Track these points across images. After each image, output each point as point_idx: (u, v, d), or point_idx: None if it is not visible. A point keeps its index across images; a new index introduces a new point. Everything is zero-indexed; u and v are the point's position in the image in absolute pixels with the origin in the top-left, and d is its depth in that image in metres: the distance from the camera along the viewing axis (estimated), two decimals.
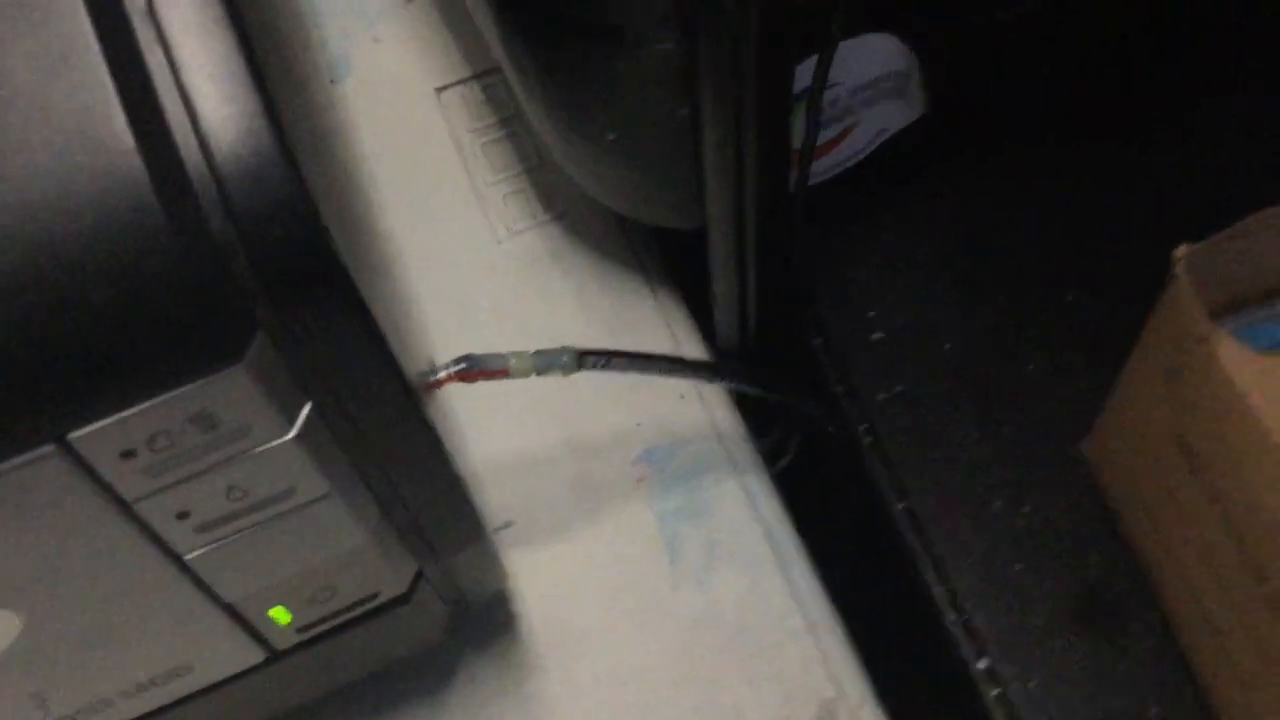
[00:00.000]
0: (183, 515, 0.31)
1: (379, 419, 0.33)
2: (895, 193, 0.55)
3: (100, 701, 0.36)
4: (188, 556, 0.32)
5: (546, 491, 0.51)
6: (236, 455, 0.30)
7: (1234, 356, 0.38)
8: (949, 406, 0.52)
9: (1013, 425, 0.52)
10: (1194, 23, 0.56)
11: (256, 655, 0.38)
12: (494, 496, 0.50)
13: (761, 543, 0.50)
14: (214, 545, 0.32)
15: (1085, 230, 0.54)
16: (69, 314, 0.26)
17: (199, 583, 0.33)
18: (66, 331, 0.26)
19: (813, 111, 0.45)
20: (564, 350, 0.43)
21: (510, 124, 0.58)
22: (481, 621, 0.48)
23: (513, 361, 0.41)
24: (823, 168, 0.53)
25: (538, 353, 0.42)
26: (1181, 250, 0.39)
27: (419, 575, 0.40)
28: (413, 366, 0.35)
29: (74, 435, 0.27)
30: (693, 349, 0.54)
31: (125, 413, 0.27)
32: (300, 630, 0.38)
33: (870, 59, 0.51)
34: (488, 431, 0.50)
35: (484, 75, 0.59)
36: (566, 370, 0.43)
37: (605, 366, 0.44)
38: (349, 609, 0.39)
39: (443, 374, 0.40)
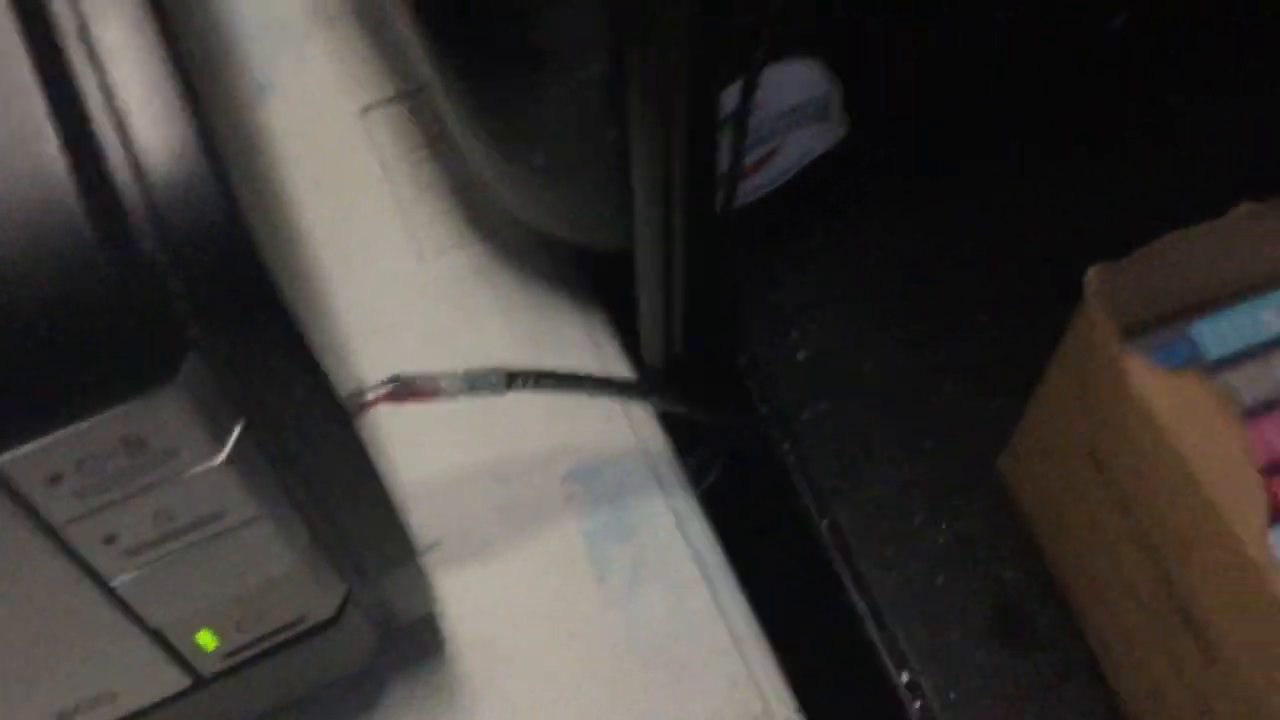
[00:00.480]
0: (110, 539, 0.30)
1: (311, 441, 0.32)
2: (820, 215, 0.56)
3: None
4: (114, 581, 0.32)
5: (474, 511, 0.51)
6: (166, 478, 0.30)
7: (1143, 374, 0.39)
8: (871, 425, 0.53)
9: (933, 442, 0.53)
10: (1121, 52, 0.58)
11: (182, 681, 0.37)
12: (421, 517, 0.49)
13: (688, 561, 0.50)
14: (141, 570, 0.32)
15: (1002, 252, 0.55)
16: None
17: (125, 608, 0.33)
18: None
19: (738, 135, 0.46)
20: (493, 371, 0.43)
21: (436, 144, 0.58)
22: (409, 644, 0.48)
23: (443, 383, 0.41)
24: (748, 189, 0.54)
25: (467, 373, 0.42)
26: (1093, 271, 0.40)
27: (347, 598, 0.39)
28: (340, 388, 0.35)
29: (1, 460, 0.27)
30: (619, 368, 0.54)
31: (54, 436, 0.27)
32: (227, 655, 0.38)
33: (792, 85, 0.52)
34: (414, 451, 0.50)
35: (410, 95, 0.59)
36: (496, 390, 0.43)
37: (534, 386, 0.44)
38: (276, 632, 0.38)
39: (372, 395, 0.40)
